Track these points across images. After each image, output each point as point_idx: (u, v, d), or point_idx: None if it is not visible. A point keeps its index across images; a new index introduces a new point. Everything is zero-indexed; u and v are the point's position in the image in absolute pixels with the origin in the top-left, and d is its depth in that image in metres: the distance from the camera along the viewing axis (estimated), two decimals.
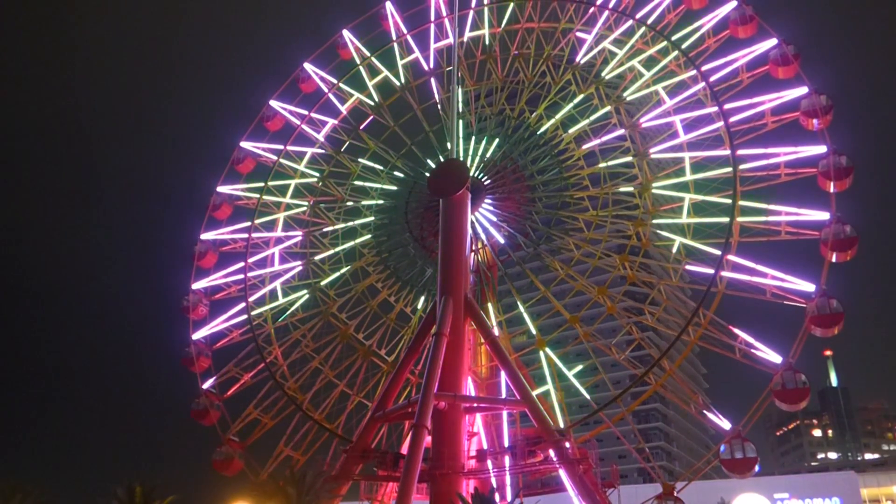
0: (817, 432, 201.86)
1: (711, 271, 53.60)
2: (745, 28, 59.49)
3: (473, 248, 61.99)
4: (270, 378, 64.72)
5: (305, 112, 73.91)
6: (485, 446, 55.08)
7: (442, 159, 65.96)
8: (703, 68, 59.38)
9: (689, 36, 61.50)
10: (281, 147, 73.09)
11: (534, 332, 61.20)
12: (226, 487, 61.71)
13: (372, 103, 73.21)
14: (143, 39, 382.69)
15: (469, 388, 56.26)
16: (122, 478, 53.71)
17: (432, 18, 73.76)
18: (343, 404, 63.86)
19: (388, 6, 75.06)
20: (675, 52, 61.29)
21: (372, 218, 70.20)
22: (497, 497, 47.72)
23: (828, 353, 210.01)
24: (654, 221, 60.51)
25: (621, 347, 65.05)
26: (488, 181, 64.41)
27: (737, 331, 51.67)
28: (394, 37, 74.32)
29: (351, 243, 69.63)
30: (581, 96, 65.08)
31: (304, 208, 72.40)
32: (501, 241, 64.62)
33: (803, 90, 56.08)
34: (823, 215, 52.96)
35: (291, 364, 66.07)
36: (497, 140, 66.59)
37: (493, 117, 69.12)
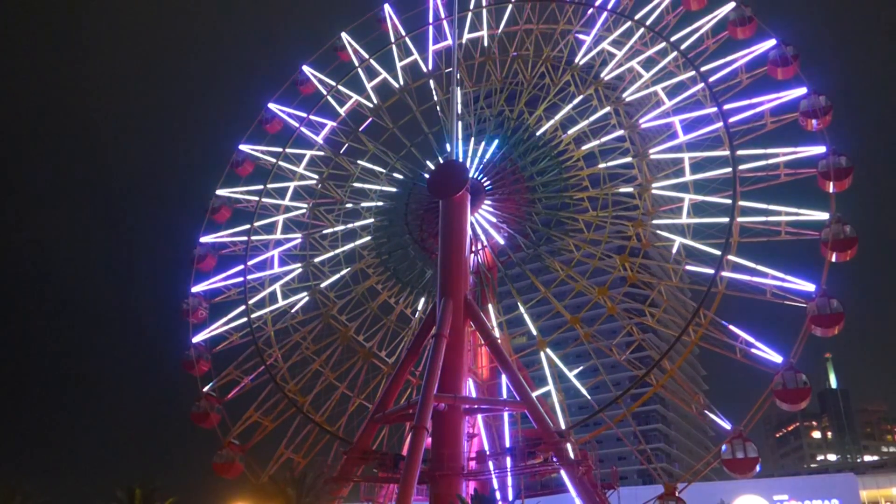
0: (817, 434, 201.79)
1: (711, 272, 53.56)
2: (743, 29, 59.53)
3: (473, 249, 61.94)
4: (271, 381, 64.60)
5: (304, 114, 73.92)
6: (485, 447, 55.01)
7: (441, 161, 65.95)
8: (703, 69, 59.35)
9: (688, 37, 61.53)
10: (280, 150, 73.09)
11: (534, 332, 61.15)
12: (226, 489, 61.68)
13: (371, 105, 73.24)
14: (143, 40, 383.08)
15: (470, 389, 56.22)
16: (122, 480, 53.67)
17: (431, 20, 73.83)
18: (344, 406, 63.79)
19: (387, 8, 75.12)
20: (674, 53, 61.34)
21: (372, 220, 70.16)
22: (498, 497, 47.75)
23: (827, 355, 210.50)
24: (654, 222, 60.52)
25: (622, 348, 64.93)
26: (488, 182, 64.37)
27: (737, 331, 51.68)
28: (392, 39, 74.38)
29: (351, 245, 69.58)
30: (580, 97, 65.10)
31: (304, 210, 72.38)
32: (501, 242, 64.59)
33: (802, 91, 56.10)
34: (823, 215, 52.98)
35: (292, 366, 65.91)
36: (496, 141, 66.58)
37: (492, 119, 69.08)
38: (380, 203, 70.48)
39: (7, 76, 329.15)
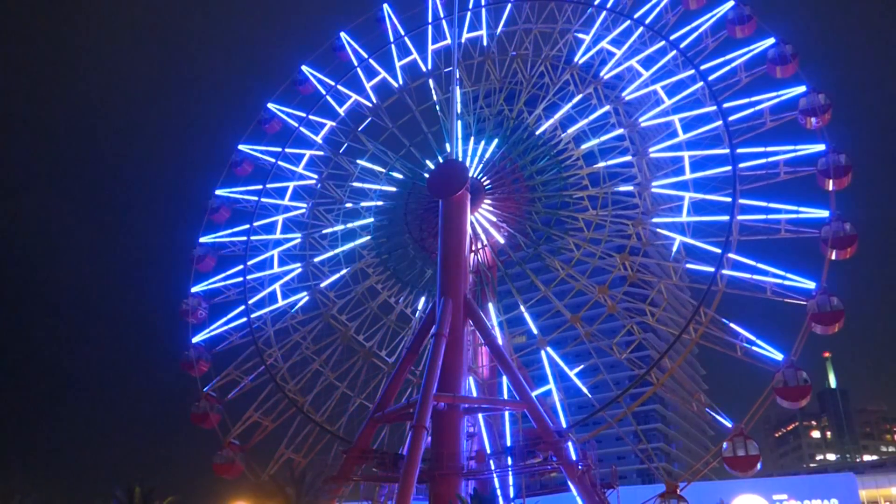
0: (816, 434, 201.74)
1: (712, 270, 53.64)
2: (742, 28, 59.56)
3: (473, 248, 61.90)
4: (271, 381, 64.54)
5: (304, 114, 73.88)
6: (486, 446, 54.96)
7: (441, 160, 65.91)
8: (702, 67, 59.44)
9: (688, 35, 61.56)
10: (279, 149, 73.02)
11: (534, 331, 61.13)
12: (225, 489, 61.61)
13: (370, 105, 73.20)
14: (143, 40, 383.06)
15: (471, 388, 56.16)
16: (122, 479, 53.61)
17: (430, 20, 73.81)
18: (344, 406, 63.77)
19: (386, 8, 75.11)
20: (674, 52, 61.35)
21: (371, 219, 70.11)
22: (500, 497, 47.71)
23: (826, 354, 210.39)
24: (654, 220, 60.56)
25: (622, 347, 64.88)
26: (487, 182, 64.35)
27: (738, 329, 51.68)
28: (391, 38, 74.35)
29: (350, 245, 69.55)
30: (580, 96, 65.10)
31: (303, 210, 72.31)
32: (501, 241, 64.56)
33: (802, 89, 56.15)
34: (823, 213, 53.07)
35: (292, 366, 65.89)
36: (496, 141, 66.56)
37: (491, 118, 69.07)
38: (379, 203, 70.42)
39: (7, 76, 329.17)
